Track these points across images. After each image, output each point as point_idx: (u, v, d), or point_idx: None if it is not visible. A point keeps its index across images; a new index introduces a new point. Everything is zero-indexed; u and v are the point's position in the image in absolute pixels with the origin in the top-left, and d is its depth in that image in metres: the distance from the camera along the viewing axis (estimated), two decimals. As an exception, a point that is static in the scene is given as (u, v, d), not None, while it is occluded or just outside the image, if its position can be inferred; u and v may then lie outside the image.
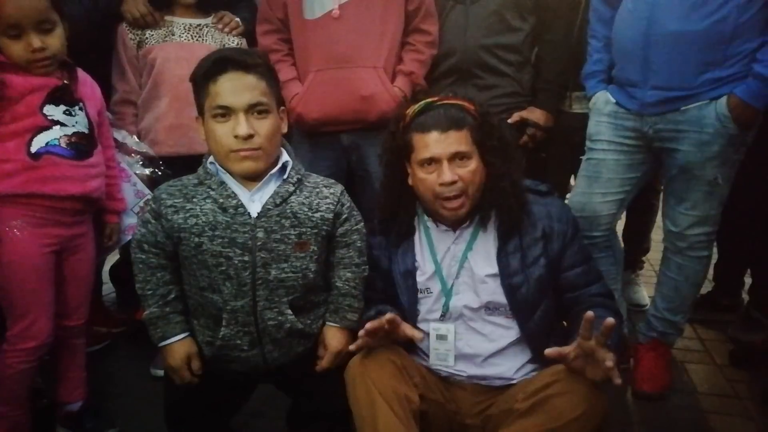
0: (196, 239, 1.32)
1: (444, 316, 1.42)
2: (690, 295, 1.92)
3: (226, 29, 2.06)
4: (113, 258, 2.53)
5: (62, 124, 1.55)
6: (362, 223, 1.48)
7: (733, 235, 2.19)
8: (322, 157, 2.02)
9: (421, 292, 1.44)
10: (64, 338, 1.71)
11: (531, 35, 2.10)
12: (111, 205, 1.79)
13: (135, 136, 2.00)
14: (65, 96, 1.57)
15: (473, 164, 1.36)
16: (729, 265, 2.47)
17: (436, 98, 1.40)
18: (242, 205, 1.33)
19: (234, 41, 2.07)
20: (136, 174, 1.92)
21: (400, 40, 2.02)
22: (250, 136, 1.29)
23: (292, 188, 1.37)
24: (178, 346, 1.38)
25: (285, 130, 1.42)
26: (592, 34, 1.93)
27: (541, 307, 1.38)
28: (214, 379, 1.41)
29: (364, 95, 1.93)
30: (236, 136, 1.28)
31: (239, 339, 1.36)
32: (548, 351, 1.20)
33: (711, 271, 2.23)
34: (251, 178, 1.35)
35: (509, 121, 2.07)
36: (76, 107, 1.60)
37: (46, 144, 1.52)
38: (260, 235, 1.32)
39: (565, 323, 1.46)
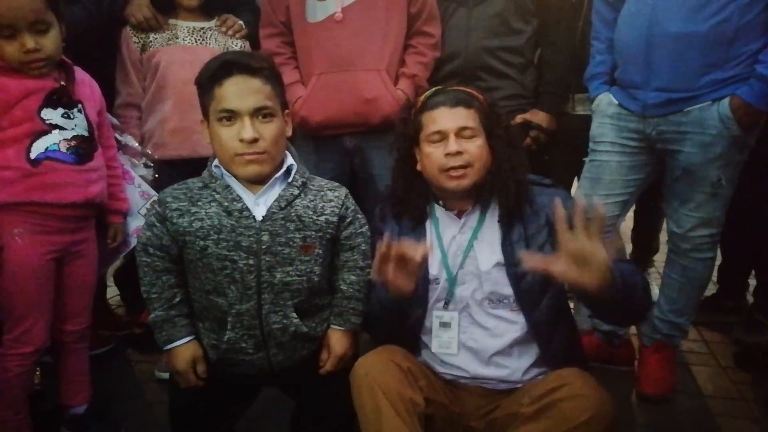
0: (202, 243, 1.32)
1: (447, 304, 1.42)
2: (694, 297, 1.92)
3: (230, 32, 2.07)
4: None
5: (61, 128, 1.53)
6: (366, 226, 1.47)
7: (737, 236, 2.19)
8: (326, 160, 2.03)
9: (430, 282, 1.44)
10: (67, 342, 1.71)
11: (534, 37, 2.10)
12: (114, 205, 1.78)
13: (137, 140, 2.01)
14: (63, 98, 1.55)
15: (479, 141, 1.38)
16: (733, 267, 2.47)
17: (446, 86, 1.45)
18: (247, 209, 1.33)
19: (237, 44, 2.07)
20: (141, 176, 1.93)
21: (403, 43, 2.02)
22: (256, 140, 1.29)
23: (296, 192, 1.37)
24: (184, 349, 1.38)
25: (290, 133, 1.42)
26: (594, 36, 1.94)
27: (547, 295, 1.37)
28: (219, 383, 1.42)
29: (367, 98, 1.93)
30: (241, 140, 1.28)
31: (244, 342, 1.36)
32: (526, 257, 1.21)
33: (715, 273, 2.24)
34: (256, 182, 1.35)
35: (512, 123, 2.07)
36: (75, 109, 1.58)
37: (46, 149, 1.51)
38: (265, 238, 1.32)
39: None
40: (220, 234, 1.32)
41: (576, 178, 2.21)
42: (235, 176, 1.35)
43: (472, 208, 1.43)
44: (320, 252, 1.38)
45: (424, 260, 1.28)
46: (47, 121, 1.52)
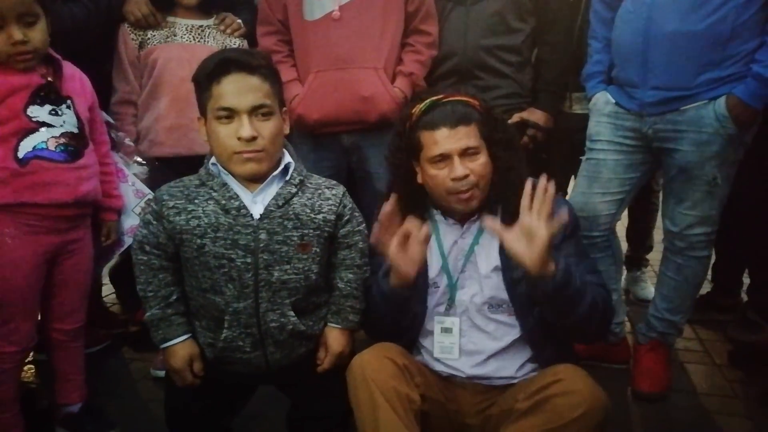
0: (199, 241, 1.31)
1: (449, 309, 1.42)
2: (690, 296, 1.93)
3: (228, 30, 2.06)
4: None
5: (49, 125, 1.51)
6: (364, 225, 1.47)
7: (732, 235, 2.19)
8: (323, 158, 2.03)
9: (429, 286, 1.44)
10: (62, 341, 1.70)
11: (531, 36, 2.10)
12: (108, 203, 1.76)
13: (133, 137, 2.00)
14: (50, 95, 1.52)
15: (482, 158, 1.37)
16: (728, 266, 2.48)
17: (441, 96, 1.41)
18: (245, 207, 1.33)
19: (236, 43, 2.07)
20: (134, 174, 1.92)
21: (400, 41, 2.02)
22: (254, 138, 1.28)
23: (294, 190, 1.37)
24: (180, 347, 1.37)
25: (287, 131, 1.42)
26: (592, 35, 1.94)
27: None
28: (216, 381, 1.41)
29: (365, 96, 1.93)
30: (239, 138, 1.28)
31: (241, 341, 1.35)
32: (487, 220, 1.28)
33: (710, 272, 2.25)
34: (254, 180, 1.34)
35: (509, 122, 2.07)
36: (63, 105, 1.55)
37: (33, 148, 1.48)
38: (263, 236, 1.32)
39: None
40: (217, 232, 1.31)
41: (573, 177, 2.22)
42: (233, 174, 1.34)
43: (477, 217, 1.43)
44: (318, 250, 1.38)
45: (427, 240, 1.32)
46: (34, 119, 1.49)
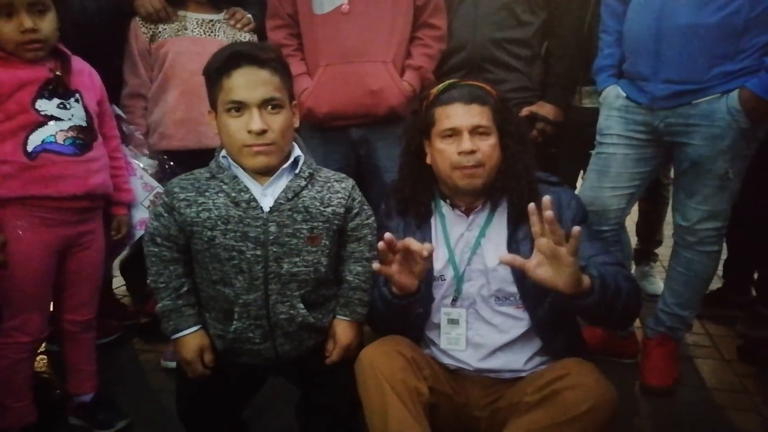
0: (209, 233, 1.32)
1: (455, 301, 1.42)
2: (699, 291, 1.92)
3: (238, 25, 2.07)
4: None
5: (57, 119, 1.52)
6: (373, 218, 1.48)
7: (743, 230, 2.18)
8: (332, 152, 2.03)
9: (435, 279, 1.44)
10: (74, 332, 1.72)
11: (541, 30, 2.09)
12: (118, 197, 1.78)
13: (143, 130, 2.02)
14: (58, 88, 1.53)
15: (492, 140, 1.37)
16: (738, 261, 2.47)
17: (459, 80, 1.43)
18: (255, 200, 1.33)
19: (245, 37, 2.07)
20: (142, 168, 1.93)
21: (409, 35, 2.02)
22: (264, 132, 1.29)
23: (303, 183, 1.37)
24: (191, 338, 1.38)
25: (297, 124, 1.42)
26: (603, 28, 1.92)
27: (551, 293, 1.37)
28: (226, 372, 1.43)
29: (373, 89, 1.93)
30: (250, 131, 1.29)
31: (251, 332, 1.37)
32: (502, 256, 1.22)
33: (721, 268, 2.23)
34: (264, 173, 1.35)
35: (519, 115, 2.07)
36: (72, 99, 1.56)
37: (42, 141, 1.50)
38: (272, 229, 1.33)
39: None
40: (227, 224, 1.32)
41: (582, 171, 2.21)
42: (243, 167, 1.35)
43: (482, 207, 1.43)
44: (327, 243, 1.39)
45: (430, 259, 1.29)
46: (42, 113, 1.50)
